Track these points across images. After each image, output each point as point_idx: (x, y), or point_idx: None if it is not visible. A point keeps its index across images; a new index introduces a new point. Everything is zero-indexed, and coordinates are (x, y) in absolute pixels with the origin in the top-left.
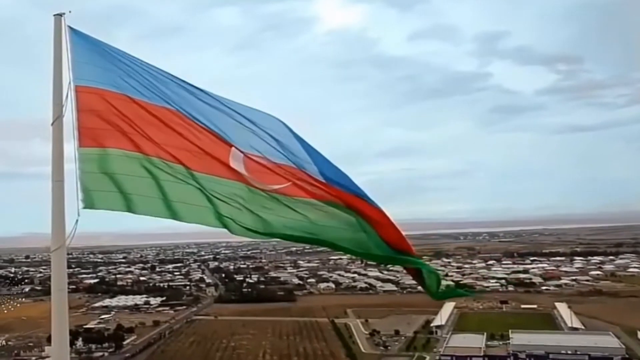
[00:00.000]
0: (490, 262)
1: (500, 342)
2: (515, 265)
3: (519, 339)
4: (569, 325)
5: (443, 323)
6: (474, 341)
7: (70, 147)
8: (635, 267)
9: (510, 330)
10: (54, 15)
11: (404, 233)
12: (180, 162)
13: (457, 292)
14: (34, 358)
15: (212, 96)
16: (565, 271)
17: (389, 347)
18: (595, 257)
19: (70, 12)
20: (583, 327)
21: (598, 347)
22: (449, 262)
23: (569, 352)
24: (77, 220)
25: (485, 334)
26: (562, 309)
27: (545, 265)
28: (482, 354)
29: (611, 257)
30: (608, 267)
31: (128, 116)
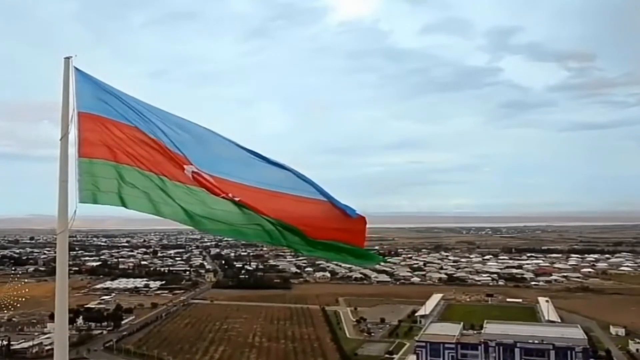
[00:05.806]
0: (487, 256)
1: (475, 332)
2: (510, 261)
3: (492, 328)
4: (547, 318)
5: (427, 313)
6: (450, 330)
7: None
8: (627, 266)
9: (485, 321)
10: (64, 57)
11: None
12: (140, 167)
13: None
14: (36, 333)
15: (183, 123)
16: (558, 268)
17: (373, 334)
18: (591, 255)
19: (76, 55)
20: (559, 321)
21: (563, 338)
22: (447, 256)
23: (536, 341)
24: (75, 211)
25: (462, 323)
26: (544, 303)
27: (541, 261)
28: (454, 341)
29: (607, 256)
30: (601, 265)
31: (114, 135)
